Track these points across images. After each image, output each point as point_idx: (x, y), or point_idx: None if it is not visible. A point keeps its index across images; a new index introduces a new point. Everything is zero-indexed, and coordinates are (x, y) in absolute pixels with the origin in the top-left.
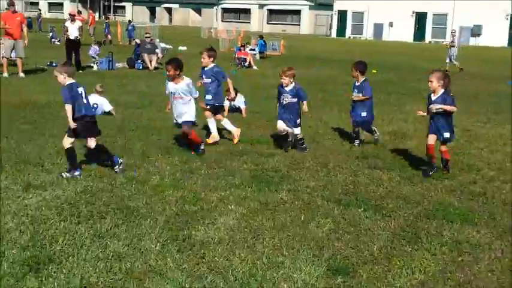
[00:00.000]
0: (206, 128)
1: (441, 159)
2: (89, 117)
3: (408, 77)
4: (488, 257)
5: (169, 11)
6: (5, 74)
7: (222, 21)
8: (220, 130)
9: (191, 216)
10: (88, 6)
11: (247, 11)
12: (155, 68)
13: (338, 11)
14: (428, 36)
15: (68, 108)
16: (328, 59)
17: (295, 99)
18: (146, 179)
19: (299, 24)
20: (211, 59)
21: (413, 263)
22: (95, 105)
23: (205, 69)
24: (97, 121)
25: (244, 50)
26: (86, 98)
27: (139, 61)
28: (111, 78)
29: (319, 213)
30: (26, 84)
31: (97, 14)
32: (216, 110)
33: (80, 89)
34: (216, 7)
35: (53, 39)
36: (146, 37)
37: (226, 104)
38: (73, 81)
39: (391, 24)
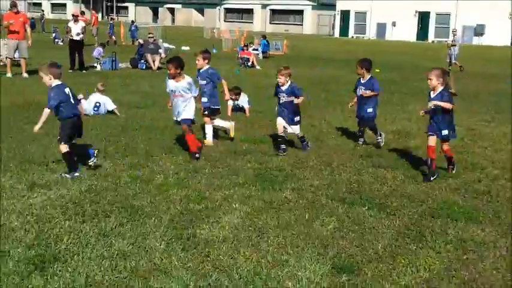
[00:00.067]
0: (203, 127)
1: (445, 158)
2: (77, 116)
3: (411, 77)
4: (493, 255)
5: (172, 11)
6: (9, 74)
7: (225, 21)
8: (218, 131)
9: (195, 215)
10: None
11: (250, 11)
12: (158, 68)
13: (341, 11)
14: (431, 36)
15: (46, 112)
16: (331, 58)
17: (291, 98)
18: (150, 178)
19: (302, 24)
20: (206, 61)
21: (418, 261)
22: (97, 104)
23: (200, 71)
24: (82, 122)
25: (247, 50)
26: (74, 97)
27: (142, 61)
28: (115, 78)
29: (323, 212)
30: (29, 84)
31: (100, 15)
32: (212, 112)
33: (67, 90)
34: (218, 7)
35: (56, 40)
36: (149, 37)
37: (230, 103)
38: (59, 82)
39: (394, 24)
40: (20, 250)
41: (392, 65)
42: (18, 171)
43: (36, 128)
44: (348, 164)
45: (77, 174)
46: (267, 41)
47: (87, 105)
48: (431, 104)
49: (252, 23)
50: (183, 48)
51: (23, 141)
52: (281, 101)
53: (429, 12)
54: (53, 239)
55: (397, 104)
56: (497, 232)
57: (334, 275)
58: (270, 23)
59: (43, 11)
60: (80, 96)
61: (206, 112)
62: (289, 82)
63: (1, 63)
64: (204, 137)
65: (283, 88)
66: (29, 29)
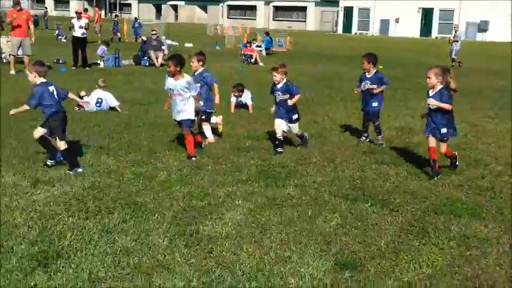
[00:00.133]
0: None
1: (447, 157)
2: (62, 112)
3: (414, 73)
4: (496, 251)
5: (175, 8)
6: (12, 72)
7: (228, 18)
8: (215, 130)
9: (198, 211)
10: (94, 4)
11: (253, 8)
12: (161, 65)
13: (344, 7)
14: (434, 32)
15: (25, 107)
16: (334, 55)
17: (286, 96)
18: (153, 174)
19: (305, 21)
20: (201, 63)
21: (421, 258)
22: (100, 100)
23: (195, 73)
24: (67, 120)
25: (250, 46)
26: (59, 95)
27: (145, 58)
28: (118, 75)
29: (326, 208)
30: None
31: (103, 12)
32: (208, 116)
33: (51, 88)
34: (221, 4)
35: (59, 37)
36: (152, 34)
37: (233, 100)
38: (44, 80)
39: (397, 21)
40: (24, 246)
41: (395, 62)
42: (22, 168)
43: (11, 112)
44: (351, 160)
45: (80, 170)
46: (270, 37)
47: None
48: (429, 102)
49: (255, 19)
50: (186, 45)
51: (27, 138)
52: (277, 100)
53: (433, 8)
54: (56, 235)
55: (400, 101)
56: (501, 228)
57: (337, 272)
58: (273, 19)
59: (46, 8)
60: (82, 93)
61: (204, 117)
62: (285, 80)
63: (4, 61)
64: (205, 137)
65: (279, 86)
66: (32, 26)
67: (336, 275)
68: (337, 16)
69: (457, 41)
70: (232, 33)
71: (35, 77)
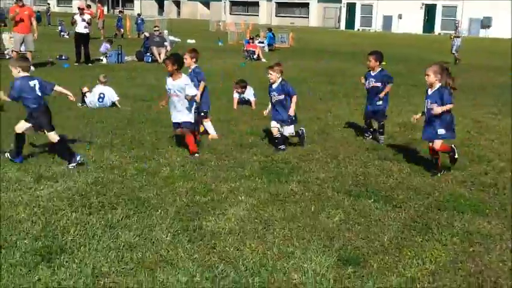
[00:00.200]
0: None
1: (443, 153)
2: (43, 107)
3: (417, 69)
4: (499, 248)
5: (177, 4)
6: None
7: (231, 14)
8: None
9: (202, 207)
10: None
11: (255, 4)
12: (164, 61)
13: (347, 3)
14: (437, 28)
15: (4, 97)
16: (336, 51)
17: (282, 97)
18: (157, 170)
19: (307, 17)
20: (194, 59)
21: (424, 254)
22: (102, 95)
23: (189, 71)
24: (51, 115)
25: (253, 42)
26: (43, 90)
27: (148, 54)
28: (120, 71)
29: (329, 204)
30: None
31: (105, 8)
32: (206, 113)
33: (33, 82)
34: (224, 0)
35: (62, 33)
36: (155, 30)
37: (236, 96)
38: (27, 75)
39: (400, 17)
40: (27, 241)
41: (398, 58)
42: (25, 163)
43: None
44: (354, 156)
45: (78, 157)
46: (273, 33)
47: (92, 98)
48: (434, 112)
49: (257, 15)
50: (189, 41)
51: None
52: (273, 100)
53: (435, 4)
54: (59, 230)
55: (403, 97)
56: (504, 225)
57: (340, 267)
58: (275, 15)
59: (49, 4)
60: (85, 89)
61: (202, 114)
62: (280, 80)
63: (7, 57)
64: (207, 134)
65: (274, 86)
66: (34, 22)
67: (339, 271)
68: (340, 12)
69: (458, 37)
70: (235, 29)
71: (18, 72)
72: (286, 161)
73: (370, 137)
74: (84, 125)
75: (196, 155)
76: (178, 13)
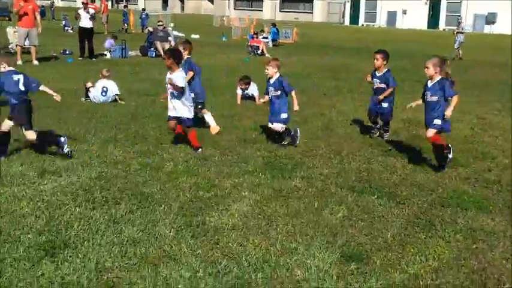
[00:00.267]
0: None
1: (433, 148)
2: (26, 102)
3: (422, 65)
4: (503, 245)
5: None
6: (19, 62)
7: (235, 9)
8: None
9: (205, 202)
10: None
11: None
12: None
13: None
14: (442, 24)
15: None
16: (341, 47)
17: (278, 92)
18: (160, 165)
19: (312, 12)
20: (187, 51)
21: (428, 250)
22: (105, 89)
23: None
24: (31, 111)
25: (257, 38)
26: (28, 86)
27: (152, 49)
28: (124, 66)
29: (332, 200)
30: (39, 71)
31: (110, 3)
32: (202, 104)
33: (17, 77)
34: None
35: (66, 28)
36: (159, 25)
37: (239, 92)
38: (11, 69)
39: (404, 12)
40: (31, 236)
41: (403, 53)
42: (29, 158)
43: None
44: (358, 152)
45: (63, 139)
46: (277, 29)
47: (95, 92)
48: (447, 116)
49: (261, 11)
50: (193, 36)
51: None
52: (270, 95)
53: (440, 0)
54: (63, 225)
55: (408, 92)
56: (507, 222)
57: (343, 264)
58: (279, 11)
59: None
60: (89, 84)
61: (200, 106)
62: (278, 75)
63: (12, 51)
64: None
65: (271, 81)
66: (38, 17)
67: (342, 267)
68: (344, 8)
69: (461, 33)
70: (239, 24)
71: (4, 67)
72: (290, 156)
73: (377, 135)
74: (88, 119)
75: (200, 150)
76: (182, 8)
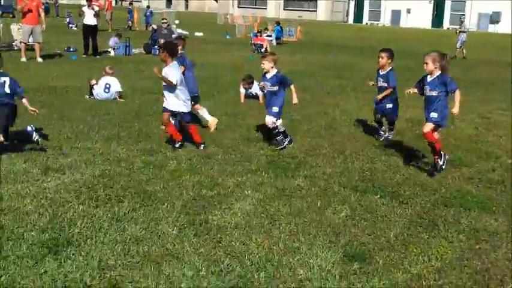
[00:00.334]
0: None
1: (429, 146)
2: (8, 107)
3: None
4: (506, 245)
5: None
6: (23, 59)
7: (239, 7)
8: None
9: (208, 201)
10: None
11: None
12: None
13: None
14: (446, 23)
15: None
16: (345, 45)
17: (275, 88)
18: (163, 163)
19: (316, 11)
20: (180, 47)
21: (430, 250)
22: (107, 86)
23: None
24: (14, 112)
25: (260, 36)
26: (13, 89)
27: (156, 47)
28: (128, 64)
29: (335, 200)
30: (43, 68)
31: (114, 0)
32: (194, 99)
33: (3, 79)
34: None
35: (70, 25)
36: (163, 23)
37: (243, 91)
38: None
39: (408, 11)
40: (34, 233)
41: (407, 52)
42: (32, 155)
43: None
44: (361, 152)
45: (29, 128)
46: (281, 27)
47: (98, 90)
48: (429, 93)
49: (265, 9)
50: (197, 34)
51: (37, 125)
52: (265, 90)
53: None
54: (66, 222)
55: None
56: (511, 222)
57: (346, 263)
58: (283, 9)
59: None
60: (93, 81)
61: (192, 102)
62: (275, 71)
63: (15, 48)
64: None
65: (268, 76)
66: (42, 14)
67: (345, 267)
68: (348, 6)
69: (464, 32)
70: (243, 22)
71: None
72: (293, 155)
73: (384, 136)
74: (92, 117)
75: (202, 146)
76: (186, 6)
